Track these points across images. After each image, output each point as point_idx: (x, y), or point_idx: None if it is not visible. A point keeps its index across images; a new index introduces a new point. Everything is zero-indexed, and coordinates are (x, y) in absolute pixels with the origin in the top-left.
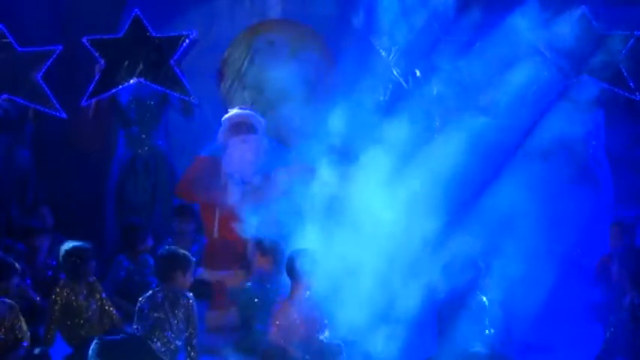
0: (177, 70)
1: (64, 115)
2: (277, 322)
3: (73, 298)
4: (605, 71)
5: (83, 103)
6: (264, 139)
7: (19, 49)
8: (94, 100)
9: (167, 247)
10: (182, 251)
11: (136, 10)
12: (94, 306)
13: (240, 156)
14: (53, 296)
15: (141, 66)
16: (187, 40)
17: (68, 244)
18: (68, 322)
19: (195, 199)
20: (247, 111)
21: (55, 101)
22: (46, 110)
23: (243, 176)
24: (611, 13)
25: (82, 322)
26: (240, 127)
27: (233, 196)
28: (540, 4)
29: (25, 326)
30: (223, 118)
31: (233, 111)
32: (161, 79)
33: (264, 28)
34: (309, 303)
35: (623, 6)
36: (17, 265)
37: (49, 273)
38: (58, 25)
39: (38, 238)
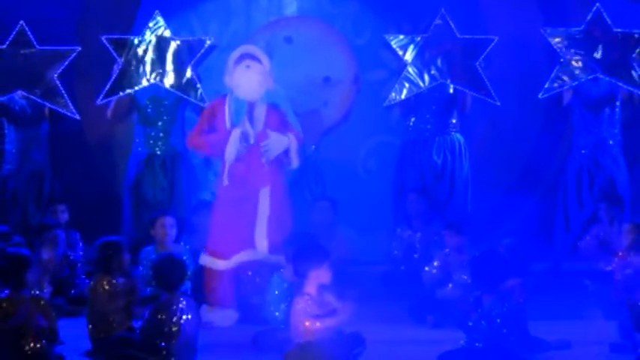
0: (195, 75)
1: (77, 117)
2: (297, 321)
3: (108, 291)
4: (620, 70)
5: (99, 103)
6: (268, 70)
7: (38, 47)
8: (114, 100)
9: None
10: None
11: (157, 11)
12: (125, 301)
13: (246, 79)
14: (90, 290)
15: (159, 68)
16: (206, 46)
17: (101, 239)
18: (98, 316)
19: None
20: (250, 45)
21: (69, 101)
22: (60, 110)
23: (249, 97)
24: (629, 10)
25: (112, 316)
26: (244, 57)
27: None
28: (554, 1)
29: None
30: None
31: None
32: (178, 83)
33: (280, 25)
34: (324, 297)
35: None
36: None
37: (66, 269)
38: (73, 24)
39: (53, 234)
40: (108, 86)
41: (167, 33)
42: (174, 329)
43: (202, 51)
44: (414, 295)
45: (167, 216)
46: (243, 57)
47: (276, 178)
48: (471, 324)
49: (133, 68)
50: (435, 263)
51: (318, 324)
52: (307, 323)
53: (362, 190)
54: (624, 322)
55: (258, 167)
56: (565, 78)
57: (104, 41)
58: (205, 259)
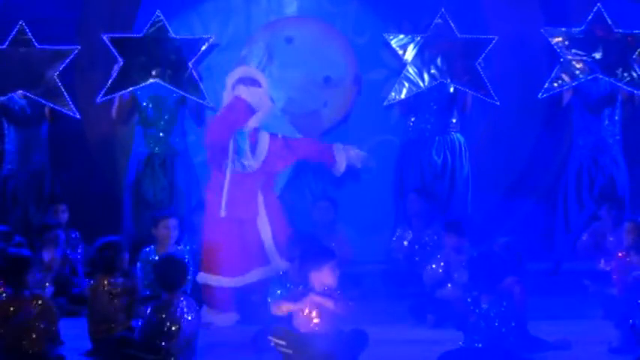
0: (195, 74)
1: (77, 116)
2: (304, 312)
3: (108, 291)
4: (620, 70)
5: (98, 101)
6: (267, 94)
7: (38, 46)
8: (116, 99)
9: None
10: None
11: (158, 11)
12: (125, 301)
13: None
14: (90, 290)
15: (159, 67)
16: (207, 44)
17: (101, 239)
18: (98, 316)
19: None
20: (249, 67)
21: (69, 101)
22: (60, 109)
23: (249, 125)
24: (630, 10)
25: (112, 316)
26: (242, 81)
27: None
28: (555, 1)
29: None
30: (227, 79)
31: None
32: (178, 82)
33: (281, 25)
34: (331, 292)
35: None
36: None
37: (67, 269)
38: (73, 23)
39: (54, 234)
40: (108, 85)
41: (168, 32)
42: (174, 329)
43: (203, 50)
44: (414, 294)
45: (171, 217)
46: (241, 81)
47: (269, 196)
48: (469, 324)
49: (133, 67)
50: (434, 265)
51: (279, 307)
52: (275, 306)
53: (362, 190)
54: (624, 322)
55: (255, 192)
56: (565, 78)
57: (105, 40)
58: (210, 279)
